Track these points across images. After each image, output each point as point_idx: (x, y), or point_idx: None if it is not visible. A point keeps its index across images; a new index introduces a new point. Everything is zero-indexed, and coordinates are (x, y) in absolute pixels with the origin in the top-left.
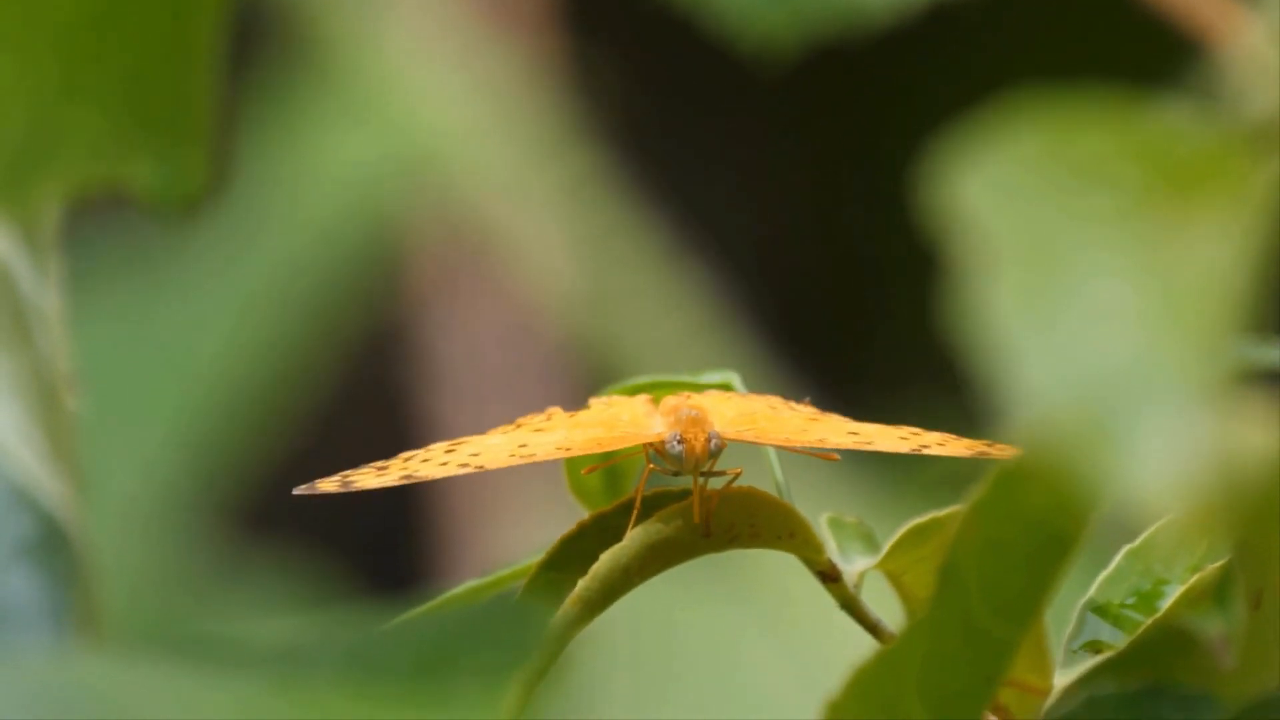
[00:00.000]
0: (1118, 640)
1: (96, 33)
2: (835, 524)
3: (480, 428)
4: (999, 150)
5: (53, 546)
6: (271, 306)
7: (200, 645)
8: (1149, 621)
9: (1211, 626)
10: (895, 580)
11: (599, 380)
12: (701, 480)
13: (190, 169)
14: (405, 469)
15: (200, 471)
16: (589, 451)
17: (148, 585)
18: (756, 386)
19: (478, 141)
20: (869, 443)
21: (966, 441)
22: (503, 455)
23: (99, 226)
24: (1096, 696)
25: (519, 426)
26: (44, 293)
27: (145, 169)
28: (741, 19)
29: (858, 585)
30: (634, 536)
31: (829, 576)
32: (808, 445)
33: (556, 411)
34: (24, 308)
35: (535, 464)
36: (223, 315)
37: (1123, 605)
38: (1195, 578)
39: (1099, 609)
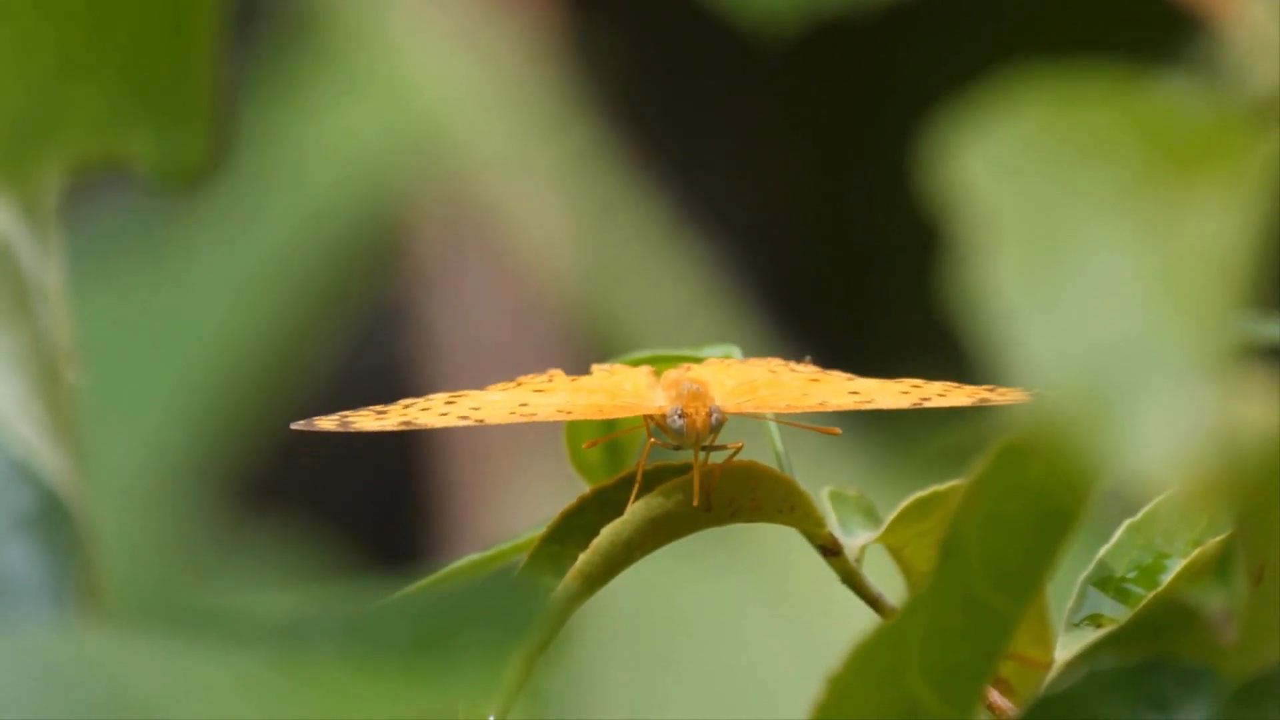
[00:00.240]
0: (1119, 614)
1: (97, 6)
2: (836, 497)
3: None
4: (1001, 126)
5: (53, 520)
6: (272, 280)
7: (200, 619)
8: (1150, 596)
9: (1213, 601)
10: (896, 554)
11: (600, 355)
12: (702, 455)
13: (191, 143)
14: (405, 415)
15: (201, 445)
16: (589, 417)
17: (148, 559)
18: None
19: (479, 116)
20: (870, 401)
21: (968, 389)
22: (503, 412)
23: (100, 201)
24: (1098, 670)
25: (519, 385)
26: (45, 267)
27: (146, 143)
28: None
29: (859, 559)
30: (635, 511)
31: (830, 550)
32: (809, 411)
33: (558, 374)
34: (25, 282)
35: (536, 435)
36: (223, 289)
37: (1124, 579)
38: (1196, 552)
39: (1100, 583)
